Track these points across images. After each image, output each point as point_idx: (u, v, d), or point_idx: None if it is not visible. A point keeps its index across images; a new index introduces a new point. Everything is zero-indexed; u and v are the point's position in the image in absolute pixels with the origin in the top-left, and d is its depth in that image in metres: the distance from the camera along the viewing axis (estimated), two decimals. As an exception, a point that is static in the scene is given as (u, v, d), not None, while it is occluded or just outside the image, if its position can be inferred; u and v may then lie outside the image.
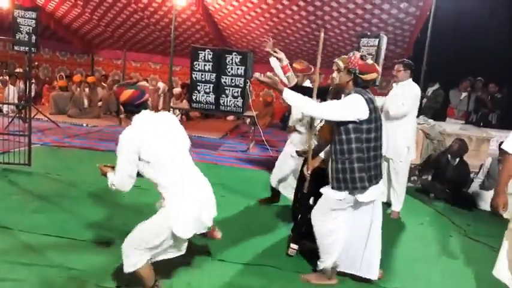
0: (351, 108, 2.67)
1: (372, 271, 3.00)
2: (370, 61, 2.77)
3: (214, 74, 7.36)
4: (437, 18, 6.92)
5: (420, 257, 3.69)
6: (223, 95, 7.38)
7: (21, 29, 7.65)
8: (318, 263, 3.01)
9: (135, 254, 2.44)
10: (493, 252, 3.84)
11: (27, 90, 6.70)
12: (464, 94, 8.23)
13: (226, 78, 7.33)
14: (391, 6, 7.42)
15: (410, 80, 4.54)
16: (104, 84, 10.54)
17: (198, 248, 3.28)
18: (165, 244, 2.50)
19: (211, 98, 7.43)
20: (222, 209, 4.23)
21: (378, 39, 6.30)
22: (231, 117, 10.29)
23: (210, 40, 9.97)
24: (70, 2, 9.38)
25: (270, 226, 4.00)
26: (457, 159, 5.44)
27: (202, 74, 7.40)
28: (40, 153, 5.79)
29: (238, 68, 7.26)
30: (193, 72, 7.40)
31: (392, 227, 4.31)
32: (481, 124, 7.84)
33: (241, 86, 7.24)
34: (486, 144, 5.99)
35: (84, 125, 8.43)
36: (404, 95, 4.41)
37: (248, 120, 9.26)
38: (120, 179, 2.44)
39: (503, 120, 8.06)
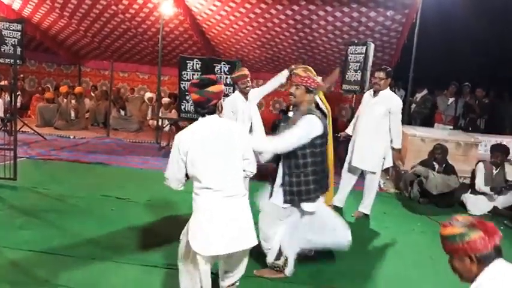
0: (310, 131, 2.81)
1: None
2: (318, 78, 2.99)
3: (202, 84, 7.33)
4: (423, 24, 7.01)
5: (412, 263, 3.67)
6: (212, 104, 7.35)
7: (6, 41, 7.54)
8: (267, 260, 3.15)
9: None
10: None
11: (13, 102, 6.61)
12: (451, 99, 8.33)
13: (215, 88, 7.32)
14: (378, 14, 7.49)
15: (389, 89, 4.52)
16: (92, 95, 10.43)
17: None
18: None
19: (200, 107, 7.40)
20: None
21: (365, 47, 6.36)
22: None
23: (198, 49, 9.96)
24: (56, 13, 9.30)
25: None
26: (444, 164, 5.49)
27: (190, 84, 7.38)
28: (26, 166, 5.68)
29: (227, 77, 7.25)
30: (182, 82, 7.38)
31: (383, 234, 4.31)
32: (470, 129, 7.92)
33: (230, 95, 7.23)
34: (474, 149, 6.04)
35: (72, 137, 8.31)
36: (393, 110, 4.36)
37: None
38: (169, 176, 2.45)
39: (491, 124, 8.16)
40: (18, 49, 7.27)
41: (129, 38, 9.99)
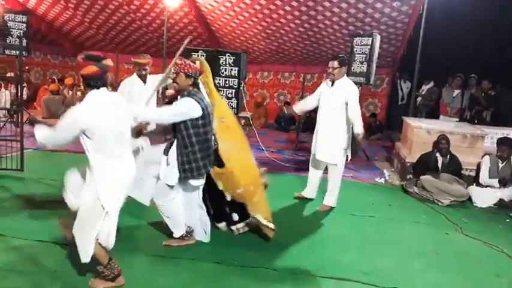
0: (184, 111, 3.09)
1: (201, 236, 3.54)
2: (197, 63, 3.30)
3: (208, 75, 7.32)
4: (429, 15, 6.94)
5: (417, 255, 3.68)
6: (217, 96, 7.35)
7: (12, 33, 7.56)
8: (173, 234, 3.43)
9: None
10: (489, 249, 3.86)
11: (19, 94, 6.64)
12: (457, 91, 8.26)
13: (220, 80, 7.29)
14: (384, 5, 7.43)
15: (346, 77, 4.45)
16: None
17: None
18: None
19: (205, 99, 7.40)
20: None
21: (371, 38, 6.32)
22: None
23: (203, 41, 9.94)
24: (61, 4, 9.31)
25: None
26: (448, 156, 5.48)
27: (195, 76, 7.37)
28: (33, 158, 5.72)
29: (232, 69, 7.22)
30: (187, 73, 7.36)
31: (388, 226, 4.32)
32: (476, 121, 7.86)
33: (235, 87, 7.21)
34: (481, 141, 6.00)
35: (77, 128, 8.33)
36: (348, 96, 4.26)
37: (243, 121, 9.23)
38: (51, 139, 2.59)
39: (497, 117, 8.09)
40: (24, 41, 7.27)
41: (133, 30, 10.00)
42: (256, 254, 3.41)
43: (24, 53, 6.77)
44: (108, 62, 2.61)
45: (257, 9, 8.17)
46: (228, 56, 7.22)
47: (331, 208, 4.62)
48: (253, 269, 3.15)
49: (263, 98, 11.07)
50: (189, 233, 3.48)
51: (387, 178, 6.04)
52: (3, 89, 8.96)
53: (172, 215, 3.40)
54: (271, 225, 3.55)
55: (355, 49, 6.68)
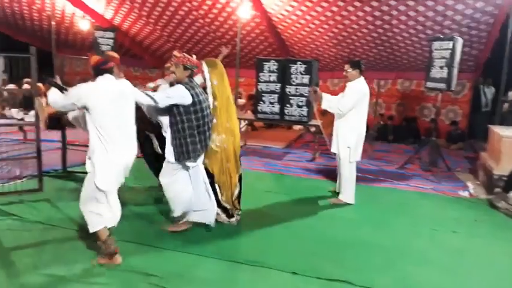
0: (174, 96, 3.43)
1: (206, 218, 3.84)
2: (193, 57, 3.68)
3: (279, 84, 7.41)
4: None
5: (509, 278, 3.37)
6: (287, 105, 7.40)
7: (101, 48, 8.27)
8: (171, 214, 3.79)
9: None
10: None
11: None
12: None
13: (291, 88, 7.35)
14: (466, 7, 6.98)
15: (360, 78, 4.76)
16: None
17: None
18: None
19: (276, 108, 7.49)
20: (288, 220, 4.24)
21: (452, 42, 5.97)
22: (297, 127, 10.28)
23: (273, 50, 10.07)
24: (142, 20, 10.01)
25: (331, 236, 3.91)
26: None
27: (267, 85, 7.49)
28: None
29: (303, 77, 7.24)
30: (259, 83, 7.52)
31: (475, 244, 4.00)
32: None
33: (306, 95, 7.21)
34: None
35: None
36: (348, 92, 4.71)
37: (313, 129, 9.18)
38: (59, 101, 3.07)
39: None
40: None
41: (208, 41, 10.42)
42: (338, 266, 3.36)
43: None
44: (111, 53, 3.19)
45: (328, 16, 8.11)
46: (299, 64, 7.26)
47: (347, 204, 4.84)
48: (330, 282, 3.11)
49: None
50: (185, 219, 3.81)
51: (472, 191, 5.62)
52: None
53: (174, 196, 3.70)
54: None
55: (434, 54, 6.35)
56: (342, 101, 4.72)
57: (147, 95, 3.40)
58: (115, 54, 3.18)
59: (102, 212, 3.12)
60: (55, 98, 3.12)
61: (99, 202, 3.10)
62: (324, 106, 4.93)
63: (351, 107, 4.67)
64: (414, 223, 4.39)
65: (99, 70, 3.05)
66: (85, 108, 2.98)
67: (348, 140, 4.75)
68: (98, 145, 3.00)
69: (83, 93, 2.97)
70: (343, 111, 4.71)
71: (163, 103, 3.44)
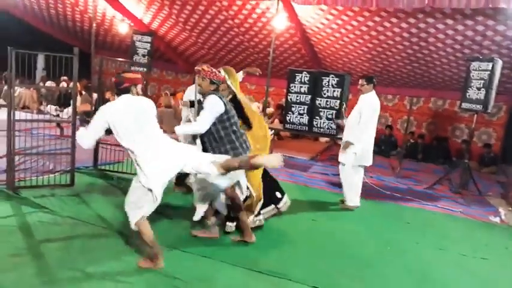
0: (214, 107, 3.52)
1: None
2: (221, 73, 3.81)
3: (309, 96, 7.41)
4: None
5: None
6: (317, 117, 7.39)
7: (138, 52, 8.53)
8: (207, 221, 3.84)
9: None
10: None
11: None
12: None
13: (321, 100, 7.34)
14: (507, 28, 6.80)
15: (372, 92, 5.03)
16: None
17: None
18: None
19: (304, 119, 7.48)
20: (312, 233, 4.21)
21: (491, 63, 5.84)
22: (324, 139, 10.22)
23: (305, 62, 10.08)
24: (179, 27, 10.24)
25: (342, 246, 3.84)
26: None
27: (297, 96, 7.50)
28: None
29: (334, 90, 7.22)
30: (289, 94, 7.54)
31: (506, 273, 3.86)
32: None
33: (336, 107, 7.18)
34: None
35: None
36: (362, 106, 4.96)
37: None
38: (85, 135, 3.10)
39: None
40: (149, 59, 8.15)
41: (241, 50, 10.54)
42: (361, 286, 3.30)
43: (145, 69, 7.57)
44: (129, 75, 3.22)
45: (364, 31, 8.06)
46: (332, 77, 7.24)
47: (351, 209, 5.13)
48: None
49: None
50: (213, 224, 3.85)
51: (503, 217, 5.43)
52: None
53: (202, 188, 3.68)
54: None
55: (471, 74, 6.21)
56: (360, 126, 4.97)
57: (189, 126, 3.71)
58: (137, 75, 3.28)
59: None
60: (81, 134, 3.14)
61: (144, 203, 3.10)
62: (346, 138, 5.16)
63: (366, 122, 4.98)
64: (442, 246, 4.27)
65: (117, 90, 3.20)
66: (111, 125, 3.05)
67: (354, 147, 5.01)
68: (139, 159, 3.03)
69: (105, 110, 3.08)
70: (363, 129, 4.97)
71: (206, 127, 3.56)
